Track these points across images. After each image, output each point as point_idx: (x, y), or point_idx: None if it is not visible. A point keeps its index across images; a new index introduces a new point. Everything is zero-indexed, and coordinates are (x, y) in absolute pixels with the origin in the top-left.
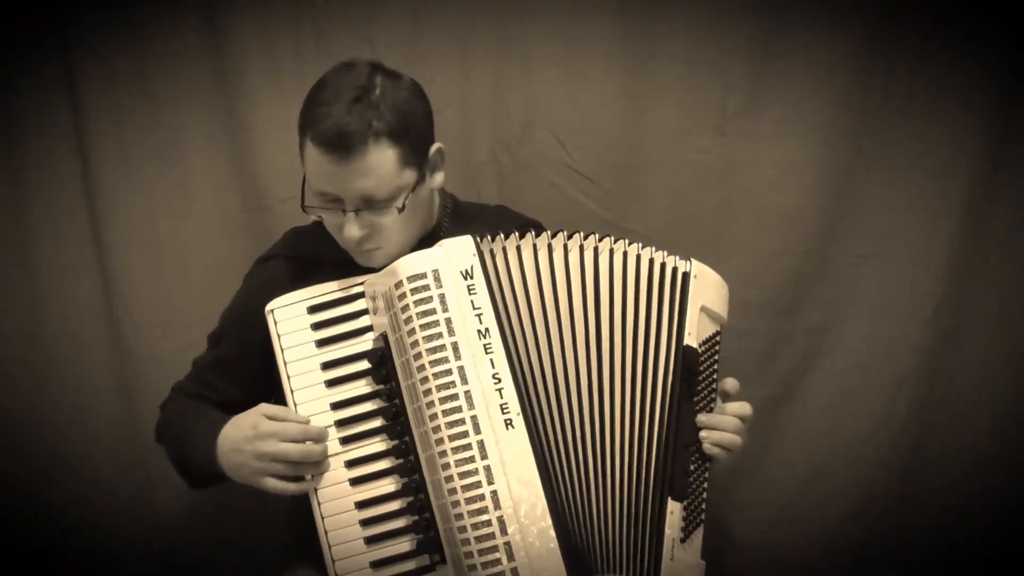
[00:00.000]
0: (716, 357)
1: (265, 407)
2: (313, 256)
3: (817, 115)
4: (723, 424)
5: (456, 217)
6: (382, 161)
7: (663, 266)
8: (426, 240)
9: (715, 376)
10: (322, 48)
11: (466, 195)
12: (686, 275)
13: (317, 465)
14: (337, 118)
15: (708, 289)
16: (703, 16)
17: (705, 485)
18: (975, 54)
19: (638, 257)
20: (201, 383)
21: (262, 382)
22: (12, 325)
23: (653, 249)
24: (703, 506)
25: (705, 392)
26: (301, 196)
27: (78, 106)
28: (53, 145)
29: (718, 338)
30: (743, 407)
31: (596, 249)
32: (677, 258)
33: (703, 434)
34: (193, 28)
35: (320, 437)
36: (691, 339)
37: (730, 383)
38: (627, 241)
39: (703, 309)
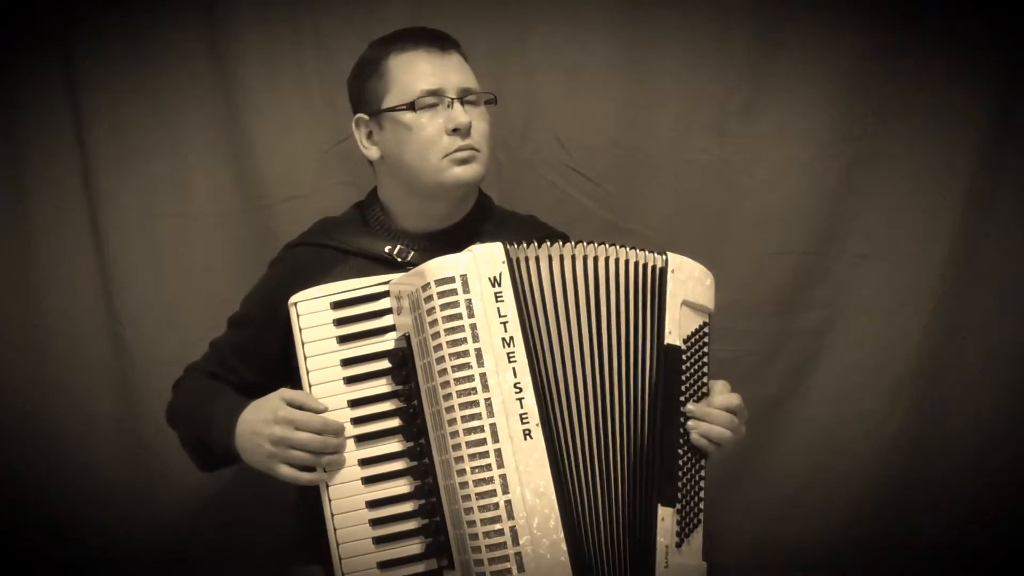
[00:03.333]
0: (705, 351)
1: (285, 392)
2: (342, 246)
3: (817, 115)
4: (712, 416)
5: (489, 215)
6: (468, 64)
7: (645, 266)
8: (457, 231)
9: (705, 371)
10: (322, 48)
11: None
12: (663, 271)
13: (332, 458)
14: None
15: (689, 283)
16: (703, 16)
17: (701, 484)
18: (974, 56)
19: (616, 260)
20: (219, 364)
21: (280, 367)
22: (12, 325)
23: (628, 248)
24: (700, 506)
25: (693, 389)
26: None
27: (78, 106)
28: (53, 145)
29: (706, 330)
30: (729, 399)
31: (596, 259)
32: (655, 255)
33: (691, 424)
34: (193, 28)
35: (338, 431)
36: (672, 337)
37: (720, 385)
38: (607, 244)
39: (685, 303)
